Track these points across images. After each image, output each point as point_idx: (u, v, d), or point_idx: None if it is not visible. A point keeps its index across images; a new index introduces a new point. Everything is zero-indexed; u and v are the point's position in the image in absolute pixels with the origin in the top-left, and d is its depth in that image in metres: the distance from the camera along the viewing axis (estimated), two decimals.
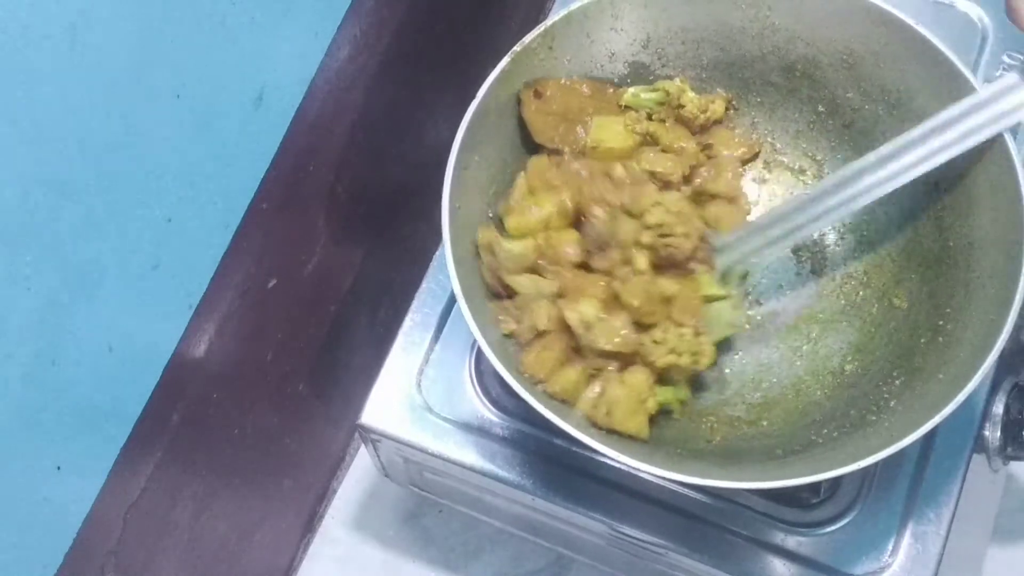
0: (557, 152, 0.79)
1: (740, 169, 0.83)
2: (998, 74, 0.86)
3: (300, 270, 0.92)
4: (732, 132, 0.84)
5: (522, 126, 0.78)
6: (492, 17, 1.12)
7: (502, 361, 0.68)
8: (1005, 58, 0.87)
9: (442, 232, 0.71)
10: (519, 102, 0.78)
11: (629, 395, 0.72)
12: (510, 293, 0.75)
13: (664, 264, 0.74)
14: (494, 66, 0.75)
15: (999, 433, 0.78)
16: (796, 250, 0.83)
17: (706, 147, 0.82)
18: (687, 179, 0.80)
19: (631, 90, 0.81)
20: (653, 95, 0.81)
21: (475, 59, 1.06)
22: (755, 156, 0.84)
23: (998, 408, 0.79)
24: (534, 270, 0.75)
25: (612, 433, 0.72)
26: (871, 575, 0.76)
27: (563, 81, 0.79)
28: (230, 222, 0.80)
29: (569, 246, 0.75)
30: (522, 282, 0.74)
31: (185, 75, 0.72)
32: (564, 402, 0.72)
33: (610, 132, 0.79)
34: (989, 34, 0.87)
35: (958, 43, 0.74)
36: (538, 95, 0.78)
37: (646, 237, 0.73)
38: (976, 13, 0.88)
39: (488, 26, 1.12)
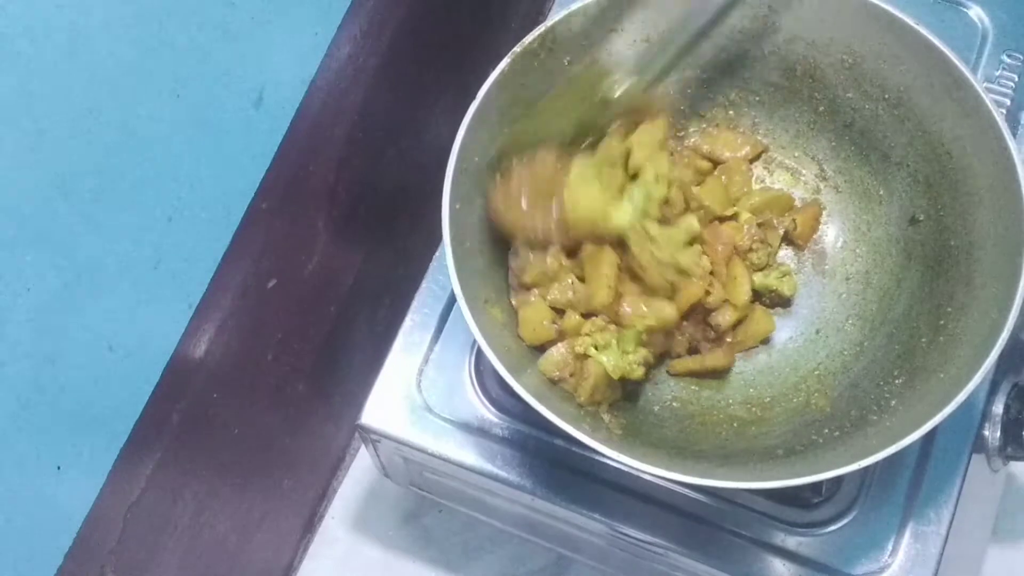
0: (534, 244, 0.75)
1: (749, 170, 0.83)
2: (998, 74, 0.87)
3: (300, 270, 0.92)
4: (734, 133, 0.84)
5: None
6: (492, 17, 1.12)
7: (503, 362, 0.68)
8: (1005, 58, 0.87)
9: (442, 233, 0.71)
10: (487, 199, 0.74)
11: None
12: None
13: None
14: (494, 66, 0.75)
15: (999, 433, 0.79)
16: (797, 250, 0.83)
17: (713, 159, 0.83)
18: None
19: (628, 211, 0.75)
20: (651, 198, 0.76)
21: (475, 59, 1.06)
22: (760, 154, 0.84)
23: (998, 408, 0.79)
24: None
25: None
26: (871, 575, 0.76)
27: (524, 159, 0.74)
28: (230, 222, 0.80)
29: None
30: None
31: (185, 75, 0.72)
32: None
33: (587, 194, 0.73)
34: (989, 34, 0.87)
35: (958, 43, 0.74)
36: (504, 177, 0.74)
37: None
38: (976, 13, 0.88)
39: (488, 26, 1.12)
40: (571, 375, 0.75)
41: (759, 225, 0.81)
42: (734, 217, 0.81)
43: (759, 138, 0.84)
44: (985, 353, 0.67)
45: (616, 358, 0.73)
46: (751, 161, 0.84)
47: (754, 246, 0.80)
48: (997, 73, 0.86)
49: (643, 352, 0.75)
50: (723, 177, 0.83)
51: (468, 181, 0.73)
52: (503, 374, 0.67)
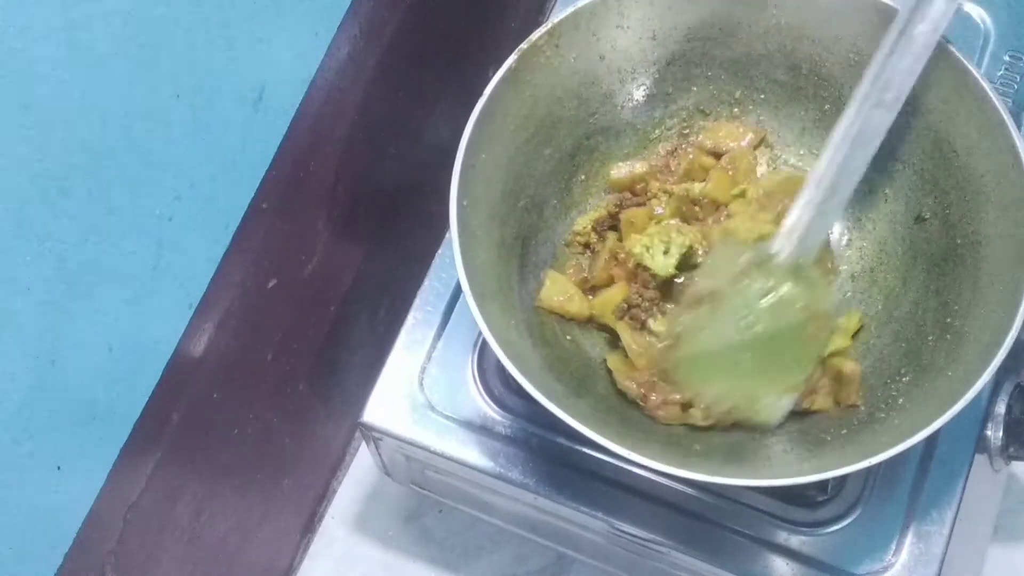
0: None
1: (754, 157, 0.83)
2: (1000, 74, 0.86)
3: (300, 270, 0.92)
4: (733, 124, 0.84)
5: (527, 128, 0.78)
6: (492, 17, 1.12)
7: (512, 360, 0.68)
8: (1006, 57, 0.87)
9: (450, 230, 0.70)
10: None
11: None
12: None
13: None
14: (495, 66, 0.75)
15: (1001, 433, 0.78)
16: None
17: (717, 152, 0.83)
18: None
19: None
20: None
21: (475, 59, 1.06)
22: (763, 140, 0.84)
23: (1000, 408, 0.79)
24: None
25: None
26: (874, 575, 0.76)
27: None
28: (230, 222, 0.80)
29: None
30: None
31: (185, 75, 0.72)
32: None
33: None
34: (991, 34, 0.87)
35: (960, 42, 0.74)
36: None
37: None
38: (978, 13, 0.88)
39: (488, 26, 1.12)
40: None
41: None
42: (742, 195, 0.81)
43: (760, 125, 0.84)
44: (993, 352, 0.67)
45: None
46: (755, 148, 0.84)
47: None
48: (999, 73, 0.86)
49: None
50: (728, 168, 0.82)
51: (474, 178, 0.73)
52: (510, 368, 0.67)
